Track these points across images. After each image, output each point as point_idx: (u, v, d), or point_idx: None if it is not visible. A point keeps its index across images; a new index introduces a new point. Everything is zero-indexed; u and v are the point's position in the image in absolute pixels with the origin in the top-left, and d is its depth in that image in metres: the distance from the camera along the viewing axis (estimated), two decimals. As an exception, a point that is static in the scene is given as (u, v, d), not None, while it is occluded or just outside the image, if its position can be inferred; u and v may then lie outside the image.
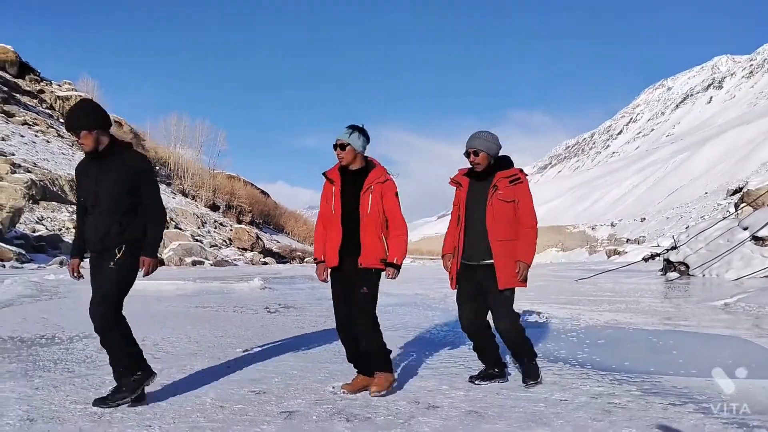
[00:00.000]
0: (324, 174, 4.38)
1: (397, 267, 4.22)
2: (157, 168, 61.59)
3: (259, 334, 7.00)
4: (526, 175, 4.51)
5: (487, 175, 4.43)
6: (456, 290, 4.58)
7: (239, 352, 5.85)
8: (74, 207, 36.11)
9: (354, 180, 4.25)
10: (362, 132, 4.27)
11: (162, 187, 56.65)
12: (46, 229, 31.28)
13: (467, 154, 4.43)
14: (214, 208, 62.26)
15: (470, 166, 4.52)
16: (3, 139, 40.38)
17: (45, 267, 22.07)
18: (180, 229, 42.22)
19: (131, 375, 3.84)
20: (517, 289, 4.47)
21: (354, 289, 4.20)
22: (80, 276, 4.06)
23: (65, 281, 14.63)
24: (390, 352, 4.36)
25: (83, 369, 4.92)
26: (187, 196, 60.13)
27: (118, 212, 3.86)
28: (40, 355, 5.50)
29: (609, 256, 69.39)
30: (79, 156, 47.71)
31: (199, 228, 48.64)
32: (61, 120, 54.90)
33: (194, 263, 31.99)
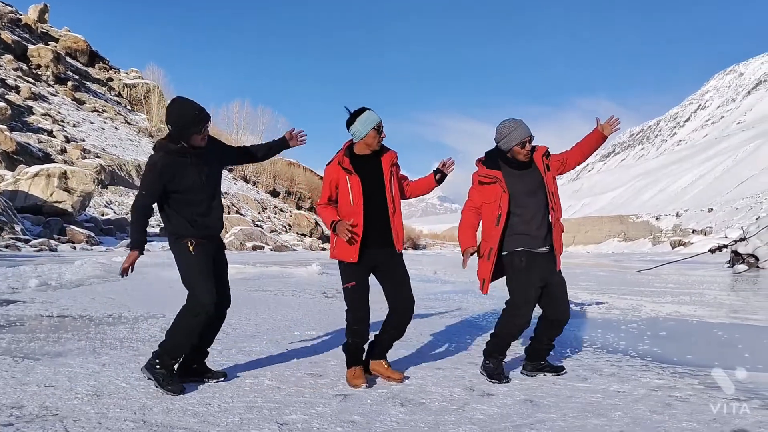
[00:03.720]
0: None
1: None
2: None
3: (316, 318, 7.11)
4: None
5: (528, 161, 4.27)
6: (524, 281, 4.18)
7: (297, 335, 5.95)
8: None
9: None
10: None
11: (224, 173, 57.89)
12: (114, 212, 32.48)
13: (524, 144, 4.15)
14: (274, 194, 63.31)
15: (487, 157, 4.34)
16: (74, 126, 42.01)
17: (113, 249, 22.89)
18: (241, 214, 43.14)
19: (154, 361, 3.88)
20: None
21: None
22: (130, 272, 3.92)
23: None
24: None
25: (148, 348, 5.08)
26: (248, 182, 61.30)
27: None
28: (108, 333, 5.73)
29: (674, 247, 67.41)
30: (146, 143, 49.16)
31: (259, 213, 49.58)
32: (128, 107, 56.72)
33: (254, 248, 32.66)
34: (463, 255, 4.28)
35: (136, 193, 3.91)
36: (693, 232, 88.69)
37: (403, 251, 4.22)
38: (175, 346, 3.85)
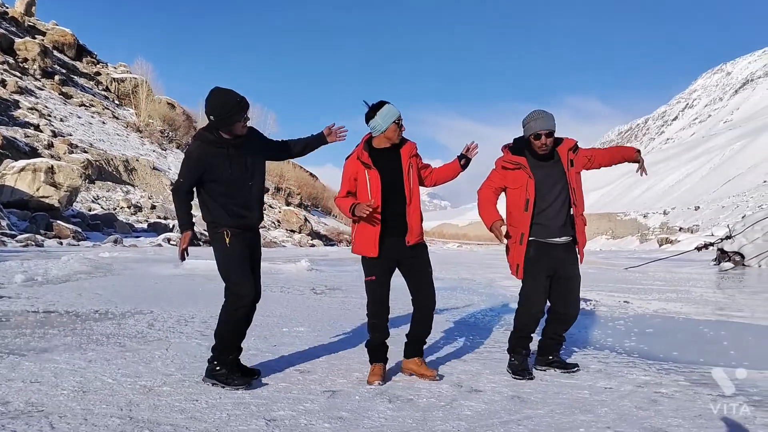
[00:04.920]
0: None
1: None
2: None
3: (304, 315, 7.09)
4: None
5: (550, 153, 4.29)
6: (533, 271, 4.24)
7: (285, 331, 5.94)
8: (128, 188, 37.13)
9: None
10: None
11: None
12: (102, 208, 32.29)
13: (538, 136, 4.15)
14: (262, 190, 63.05)
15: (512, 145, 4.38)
16: (61, 120, 41.68)
17: (100, 245, 22.76)
18: (229, 210, 43.03)
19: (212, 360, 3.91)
20: None
21: None
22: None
23: (119, 259, 15.07)
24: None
25: (134, 343, 5.07)
26: (236, 178, 61.09)
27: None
28: (94, 329, 5.69)
29: (660, 245, 67.89)
30: (133, 138, 48.85)
31: (247, 209, 49.42)
32: (116, 102, 56.30)
33: (243, 244, 32.55)
34: (492, 231, 4.27)
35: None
36: (680, 230, 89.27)
37: (426, 243, 4.26)
38: (225, 346, 3.88)
